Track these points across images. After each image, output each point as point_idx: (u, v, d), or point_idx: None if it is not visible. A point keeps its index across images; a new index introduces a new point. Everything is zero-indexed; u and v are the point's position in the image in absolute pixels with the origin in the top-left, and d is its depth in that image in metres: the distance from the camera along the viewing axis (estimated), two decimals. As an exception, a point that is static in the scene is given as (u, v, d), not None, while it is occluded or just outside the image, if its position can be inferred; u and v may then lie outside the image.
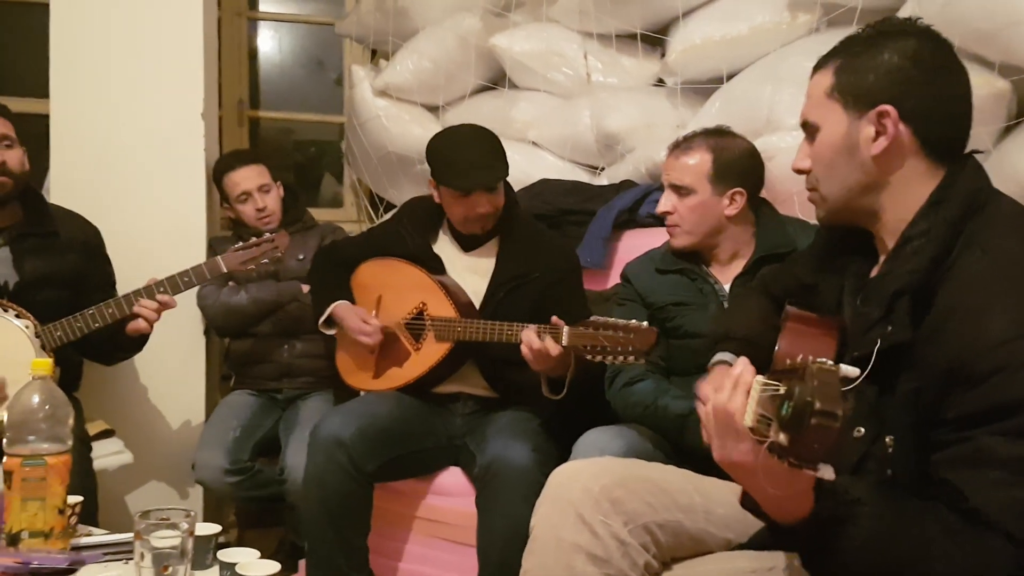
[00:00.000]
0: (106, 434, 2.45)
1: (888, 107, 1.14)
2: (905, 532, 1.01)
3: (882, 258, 1.21)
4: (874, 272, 1.22)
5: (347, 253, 2.42)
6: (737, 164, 1.96)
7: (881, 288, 1.14)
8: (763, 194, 2.14)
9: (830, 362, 0.93)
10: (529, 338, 1.95)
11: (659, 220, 2.09)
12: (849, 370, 0.95)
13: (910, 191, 1.16)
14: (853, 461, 1.12)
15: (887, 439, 1.09)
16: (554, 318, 1.95)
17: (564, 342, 1.92)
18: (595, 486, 1.26)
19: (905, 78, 1.14)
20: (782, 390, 0.95)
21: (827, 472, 0.93)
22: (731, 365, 1.37)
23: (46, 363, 1.48)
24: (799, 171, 1.27)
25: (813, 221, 1.87)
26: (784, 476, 0.99)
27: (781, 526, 1.06)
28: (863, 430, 1.12)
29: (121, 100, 2.73)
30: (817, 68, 1.23)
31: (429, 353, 2.22)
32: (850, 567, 1.02)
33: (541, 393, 2.07)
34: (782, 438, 0.93)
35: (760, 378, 1.01)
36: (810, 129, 1.24)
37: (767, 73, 2.42)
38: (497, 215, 2.22)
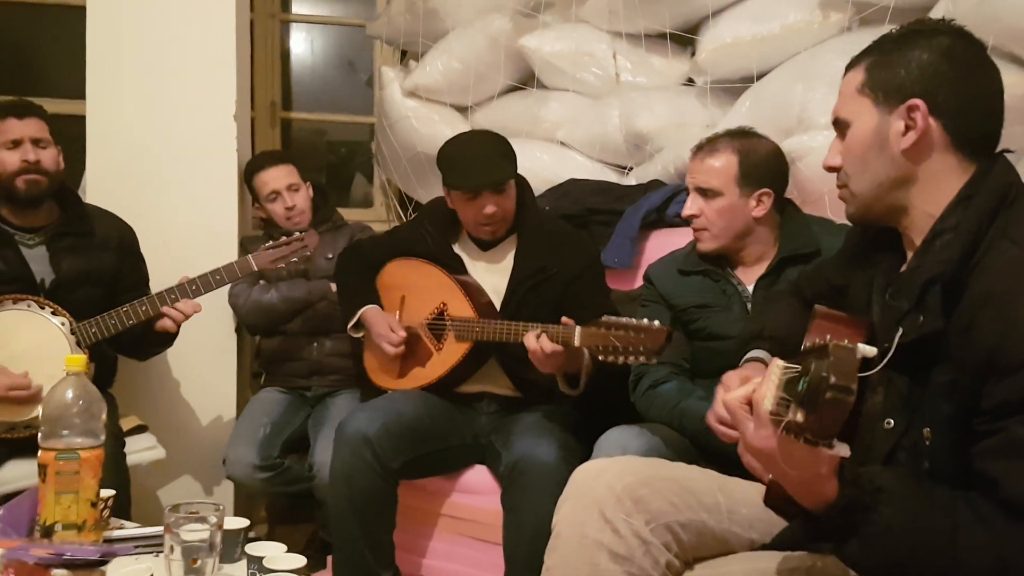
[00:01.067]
0: (139, 430, 2.48)
1: (918, 101, 1.13)
2: (931, 519, 1.01)
3: (910, 254, 1.20)
4: (903, 268, 1.21)
5: (370, 253, 2.43)
6: (764, 165, 1.94)
7: (911, 280, 1.13)
8: (794, 194, 2.12)
9: (847, 341, 0.93)
10: (530, 344, 1.96)
11: (687, 220, 2.08)
12: (867, 349, 0.95)
13: (940, 186, 1.15)
14: (883, 453, 1.12)
15: (925, 431, 1.08)
16: (564, 319, 1.94)
17: (576, 342, 1.91)
18: (618, 484, 1.25)
19: (935, 73, 1.13)
20: (800, 370, 0.96)
21: (842, 449, 0.94)
22: (763, 362, 1.37)
23: (80, 359, 1.51)
24: (830, 168, 1.27)
25: (841, 221, 1.86)
26: (802, 456, 0.99)
27: (809, 515, 1.06)
28: (892, 422, 1.12)
29: (156, 102, 2.77)
30: (850, 67, 1.24)
31: (450, 353, 2.23)
32: (875, 553, 1.02)
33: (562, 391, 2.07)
34: (799, 416, 0.94)
35: (781, 362, 1.01)
36: (841, 126, 1.23)
37: (798, 72, 2.39)
38: (508, 219, 2.22)
